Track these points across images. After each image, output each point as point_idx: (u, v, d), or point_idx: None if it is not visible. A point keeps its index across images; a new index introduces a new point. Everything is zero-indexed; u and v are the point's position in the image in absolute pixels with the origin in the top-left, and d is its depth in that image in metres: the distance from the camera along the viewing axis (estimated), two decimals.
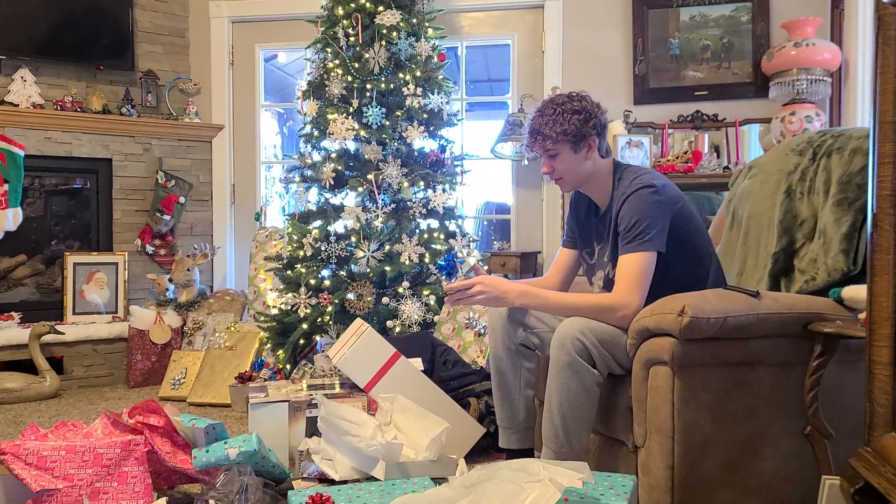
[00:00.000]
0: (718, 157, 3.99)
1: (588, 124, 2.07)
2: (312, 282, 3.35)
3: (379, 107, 3.41)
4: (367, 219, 3.34)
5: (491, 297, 2.09)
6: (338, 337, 2.80)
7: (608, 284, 2.13)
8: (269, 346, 3.57)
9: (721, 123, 4.02)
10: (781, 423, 1.85)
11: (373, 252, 3.32)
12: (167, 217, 4.40)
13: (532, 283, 2.33)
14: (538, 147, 2.12)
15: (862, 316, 1.62)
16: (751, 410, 1.84)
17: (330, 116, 3.44)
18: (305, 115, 3.61)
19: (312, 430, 2.39)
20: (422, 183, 3.45)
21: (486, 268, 2.21)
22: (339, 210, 3.44)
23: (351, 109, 3.44)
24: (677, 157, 3.91)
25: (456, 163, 3.61)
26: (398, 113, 3.44)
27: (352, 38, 3.48)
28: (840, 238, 2.05)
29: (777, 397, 1.85)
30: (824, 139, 2.27)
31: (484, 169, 4.65)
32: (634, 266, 1.97)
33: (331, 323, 3.30)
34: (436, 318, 3.32)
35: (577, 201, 2.32)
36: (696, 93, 4.12)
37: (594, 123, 2.08)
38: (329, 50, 3.54)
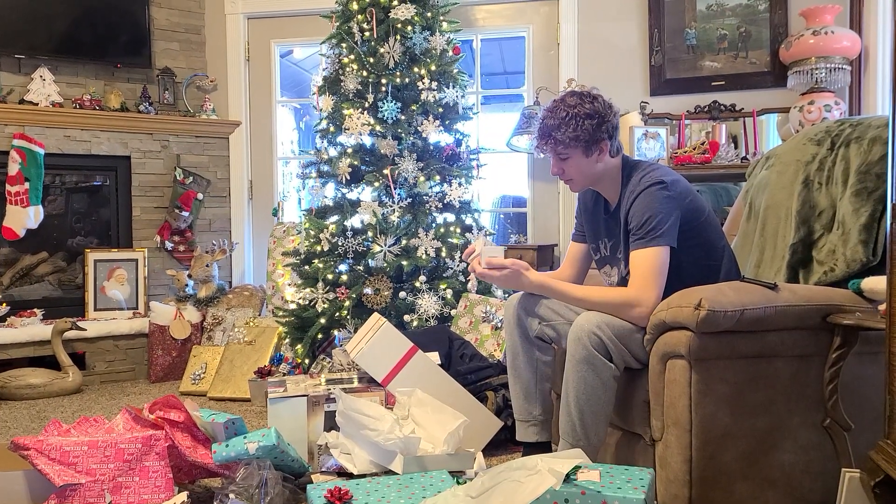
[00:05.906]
0: (736, 147, 3.95)
1: (600, 129, 2.05)
2: (330, 277, 3.37)
3: (394, 101, 3.41)
4: (383, 213, 3.35)
5: (511, 280, 2.09)
6: (355, 331, 2.81)
7: (621, 282, 2.12)
8: (287, 340, 3.60)
9: (739, 113, 3.99)
10: (800, 416, 1.84)
11: (389, 246, 3.32)
12: (186, 213, 4.43)
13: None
14: (549, 150, 2.11)
15: (882, 307, 1.60)
16: (769, 403, 1.83)
17: (345, 111, 3.44)
18: (321, 110, 3.62)
19: (331, 424, 2.40)
20: (438, 177, 3.46)
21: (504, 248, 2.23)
22: (355, 205, 3.45)
23: (366, 104, 3.45)
24: (694, 148, 3.88)
25: (471, 156, 3.62)
26: (413, 107, 3.44)
27: (366, 33, 3.49)
28: (859, 229, 2.03)
29: (796, 390, 1.83)
30: (843, 128, 2.24)
31: (500, 162, 4.64)
32: (649, 261, 1.96)
33: (348, 317, 3.32)
34: (453, 312, 3.32)
35: (585, 196, 2.32)
36: (714, 83, 4.09)
37: (606, 127, 2.06)
38: (344, 45, 3.54)
